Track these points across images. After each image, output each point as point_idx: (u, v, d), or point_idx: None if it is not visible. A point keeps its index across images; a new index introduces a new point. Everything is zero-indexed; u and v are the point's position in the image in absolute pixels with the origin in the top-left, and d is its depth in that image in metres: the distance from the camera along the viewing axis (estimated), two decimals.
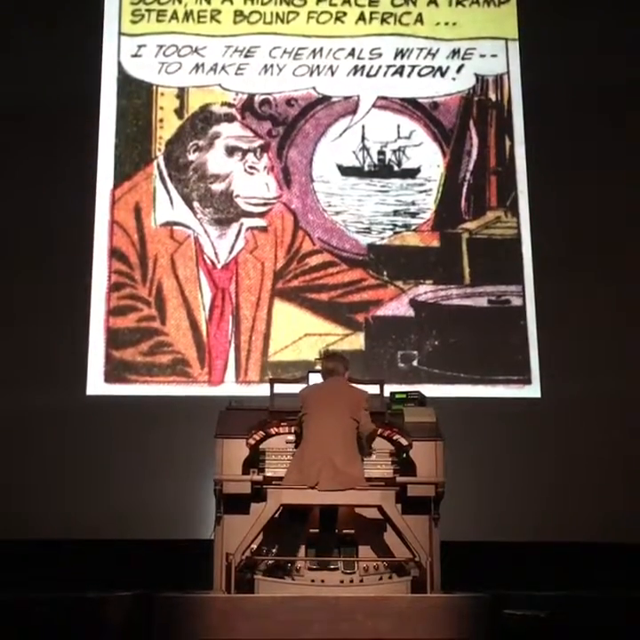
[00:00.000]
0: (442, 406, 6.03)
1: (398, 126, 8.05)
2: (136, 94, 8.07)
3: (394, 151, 8.00)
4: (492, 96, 8.14)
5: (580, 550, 6.85)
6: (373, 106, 8.09)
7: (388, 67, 8.15)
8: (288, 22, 8.23)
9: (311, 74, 8.13)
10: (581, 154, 7.91)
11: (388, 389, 6.07)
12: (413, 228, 7.87)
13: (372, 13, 8.25)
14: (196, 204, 7.90)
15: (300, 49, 8.18)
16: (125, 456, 7.20)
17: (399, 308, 7.75)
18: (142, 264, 7.76)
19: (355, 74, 8.14)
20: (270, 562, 5.40)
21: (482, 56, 8.19)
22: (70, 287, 7.65)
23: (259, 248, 7.83)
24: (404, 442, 5.57)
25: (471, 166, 8.00)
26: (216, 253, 7.81)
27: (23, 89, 7.94)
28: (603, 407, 7.40)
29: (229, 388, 7.48)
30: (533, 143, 8.00)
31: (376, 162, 7.96)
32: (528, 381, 7.60)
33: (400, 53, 8.16)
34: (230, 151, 8.02)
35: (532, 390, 7.57)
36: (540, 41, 8.16)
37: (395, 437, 5.60)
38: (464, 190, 7.96)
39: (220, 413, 5.83)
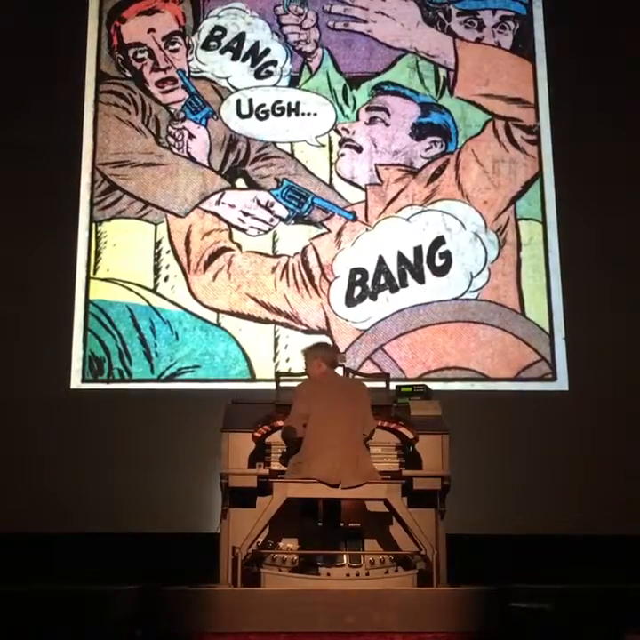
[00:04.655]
0: (448, 399, 6.03)
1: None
2: None
3: None
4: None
5: (586, 543, 6.85)
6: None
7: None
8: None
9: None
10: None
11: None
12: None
13: None
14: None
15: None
16: (131, 449, 7.21)
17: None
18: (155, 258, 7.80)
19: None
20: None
21: None
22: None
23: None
24: (409, 435, 5.57)
25: None
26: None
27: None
28: (606, 401, 7.39)
29: (235, 381, 7.51)
30: None
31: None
32: (536, 374, 7.58)
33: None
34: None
35: (538, 384, 7.57)
36: None
37: (400, 431, 5.61)
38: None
39: (226, 407, 5.83)
